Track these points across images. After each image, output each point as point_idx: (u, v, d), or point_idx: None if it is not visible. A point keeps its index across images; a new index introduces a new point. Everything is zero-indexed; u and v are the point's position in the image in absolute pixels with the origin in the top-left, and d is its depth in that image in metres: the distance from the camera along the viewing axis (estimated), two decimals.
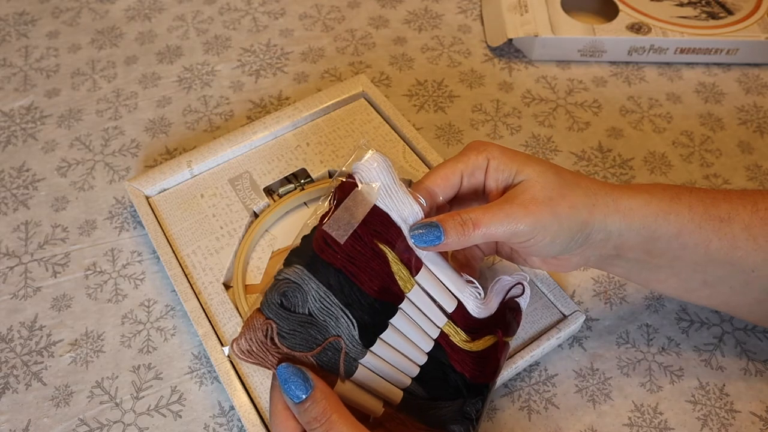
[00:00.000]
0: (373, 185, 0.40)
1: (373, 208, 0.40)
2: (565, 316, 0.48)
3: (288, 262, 0.38)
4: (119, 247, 0.55)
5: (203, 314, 0.48)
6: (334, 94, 0.60)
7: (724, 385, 0.47)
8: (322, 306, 0.38)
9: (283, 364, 0.36)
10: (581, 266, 0.43)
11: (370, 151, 0.40)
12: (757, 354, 0.48)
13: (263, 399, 0.45)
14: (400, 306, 0.40)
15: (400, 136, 0.57)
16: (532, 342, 0.46)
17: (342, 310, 0.38)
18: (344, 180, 0.40)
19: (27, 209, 0.57)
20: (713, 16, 0.66)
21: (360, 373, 0.38)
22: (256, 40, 0.70)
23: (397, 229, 0.40)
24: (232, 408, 0.47)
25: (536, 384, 0.47)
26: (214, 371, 0.48)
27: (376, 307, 0.39)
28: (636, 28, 0.65)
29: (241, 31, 0.70)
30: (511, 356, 0.46)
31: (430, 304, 0.41)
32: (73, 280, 0.53)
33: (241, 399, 0.44)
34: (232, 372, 0.45)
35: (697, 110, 0.63)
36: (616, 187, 0.40)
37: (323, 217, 0.39)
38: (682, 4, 0.67)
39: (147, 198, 0.54)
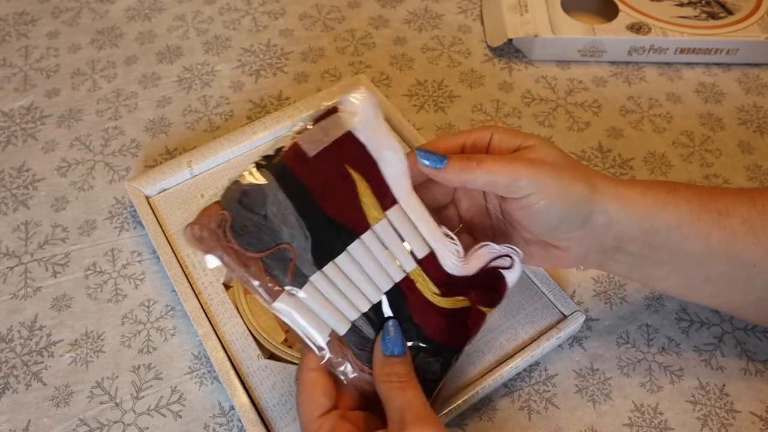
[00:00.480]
0: (355, 116, 0.40)
1: (352, 137, 0.40)
2: (565, 316, 0.48)
3: (257, 165, 0.39)
4: (119, 247, 0.55)
5: (203, 314, 0.48)
6: (334, 94, 0.60)
7: (724, 385, 0.47)
8: (279, 212, 0.38)
9: (391, 321, 0.39)
10: (581, 262, 0.42)
11: (361, 88, 0.40)
12: (757, 354, 0.48)
13: (263, 399, 0.45)
14: (361, 236, 0.39)
15: (400, 136, 0.57)
16: (532, 342, 0.46)
17: (298, 220, 0.38)
18: (329, 107, 0.40)
19: (27, 209, 0.57)
20: (713, 16, 0.66)
21: (308, 292, 0.38)
22: (256, 40, 0.70)
23: (373, 163, 0.40)
24: (232, 408, 0.47)
25: (536, 384, 0.47)
26: (214, 371, 0.48)
27: (334, 229, 0.39)
28: (636, 28, 0.65)
29: (241, 31, 0.70)
30: (511, 356, 0.46)
31: (398, 244, 0.40)
32: (73, 280, 0.53)
33: (241, 399, 0.44)
34: (232, 372, 0.45)
35: (697, 110, 0.63)
36: (614, 178, 0.41)
37: (300, 132, 0.40)
38: (682, 4, 0.67)
39: (147, 198, 0.54)
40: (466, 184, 0.39)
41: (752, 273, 0.40)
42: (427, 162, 0.39)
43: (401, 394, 0.37)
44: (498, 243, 0.42)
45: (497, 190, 0.39)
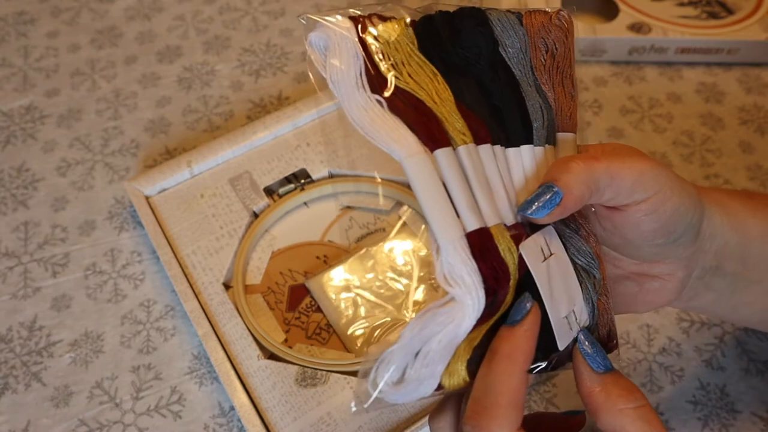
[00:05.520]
0: None
1: None
2: None
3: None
4: (119, 248, 0.54)
5: (203, 314, 0.48)
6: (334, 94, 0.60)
7: (725, 386, 0.47)
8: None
9: (584, 331, 0.30)
10: (679, 292, 0.35)
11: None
12: (758, 354, 0.48)
13: (263, 399, 0.45)
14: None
15: None
16: None
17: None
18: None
19: (26, 209, 0.57)
20: (714, 15, 0.66)
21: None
22: (256, 40, 0.69)
23: None
24: (232, 408, 0.47)
25: (536, 384, 0.47)
26: (214, 371, 0.48)
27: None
28: (636, 27, 0.65)
29: (241, 31, 0.70)
30: None
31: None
32: (72, 280, 0.53)
33: (241, 399, 0.44)
34: (232, 372, 0.45)
35: (697, 110, 0.63)
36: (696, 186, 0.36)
37: None
38: (682, 4, 0.67)
39: (147, 198, 0.54)
40: (591, 187, 0.29)
41: None
42: (545, 211, 0.28)
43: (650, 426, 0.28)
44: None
45: (620, 197, 0.30)
